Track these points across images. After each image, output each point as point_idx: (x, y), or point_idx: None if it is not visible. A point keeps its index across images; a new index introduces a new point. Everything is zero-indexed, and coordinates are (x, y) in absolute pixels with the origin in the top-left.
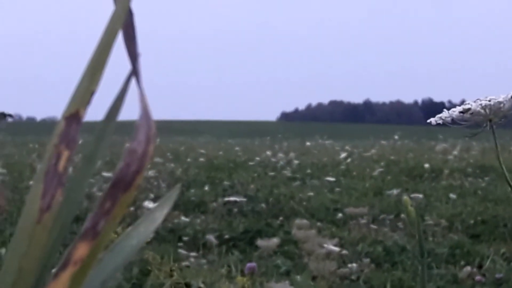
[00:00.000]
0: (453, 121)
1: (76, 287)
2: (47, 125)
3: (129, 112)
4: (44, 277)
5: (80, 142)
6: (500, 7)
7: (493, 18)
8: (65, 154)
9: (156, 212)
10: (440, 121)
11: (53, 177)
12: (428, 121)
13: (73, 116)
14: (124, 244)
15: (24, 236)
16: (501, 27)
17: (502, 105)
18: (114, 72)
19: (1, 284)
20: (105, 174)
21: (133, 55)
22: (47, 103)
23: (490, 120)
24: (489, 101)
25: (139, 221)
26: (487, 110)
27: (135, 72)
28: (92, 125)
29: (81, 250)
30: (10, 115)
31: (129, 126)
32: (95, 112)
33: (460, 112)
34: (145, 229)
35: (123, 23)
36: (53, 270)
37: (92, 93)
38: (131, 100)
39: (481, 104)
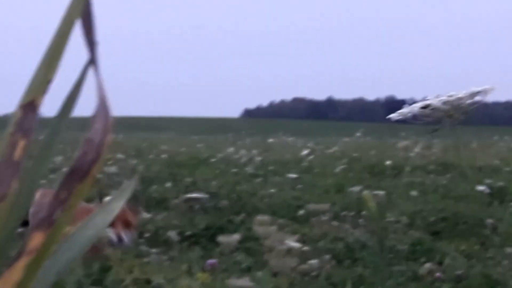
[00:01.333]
0: (414, 117)
1: (31, 276)
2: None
3: (91, 109)
4: (1, 264)
5: (40, 137)
6: (462, 7)
7: (457, 19)
8: (21, 143)
9: (112, 203)
10: (401, 117)
11: (9, 166)
12: (388, 117)
13: (30, 104)
14: (81, 235)
15: None
16: (464, 27)
17: (462, 101)
18: (74, 64)
19: None
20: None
21: (91, 43)
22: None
23: (451, 116)
24: (450, 97)
25: (96, 212)
26: (448, 106)
27: (93, 60)
28: (50, 119)
29: (36, 239)
30: None
31: (87, 122)
32: (55, 105)
33: (421, 107)
34: (101, 220)
35: (81, 12)
36: (8, 260)
37: (48, 82)
38: (92, 96)
39: (441, 100)
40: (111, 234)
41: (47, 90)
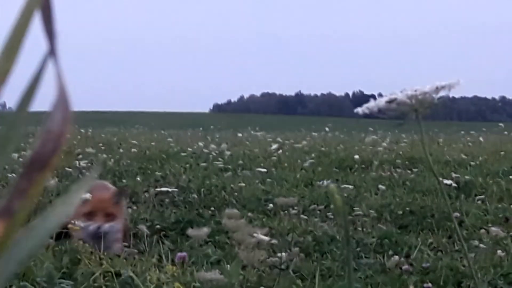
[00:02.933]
0: (380, 111)
1: None
2: None
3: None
4: None
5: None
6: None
7: (425, 12)
8: None
9: (73, 194)
10: (367, 111)
11: None
12: (355, 110)
13: None
14: (41, 225)
15: None
16: (434, 21)
17: (427, 95)
18: (36, 56)
19: None
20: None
21: (51, 34)
22: None
23: (416, 110)
24: (415, 91)
25: (57, 203)
26: (413, 100)
27: (52, 51)
28: (8, 113)
29: None
30: None
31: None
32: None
33: (387, 101)
34: (62, 210)
35: (41, 2)
36: None
37: (7, 72)
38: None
39: (407, 94)
40: (92, 225)
41: (6, 81)
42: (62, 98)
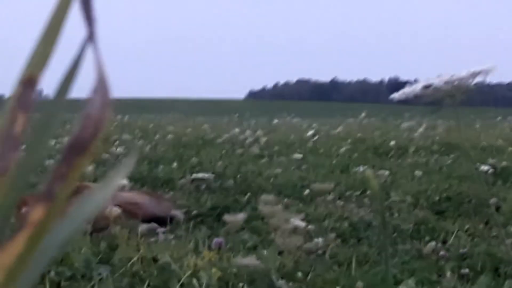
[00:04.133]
0: (416, 97)
1: (32, 249)
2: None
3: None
4: (0, 239)
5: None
6: None
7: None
8: (21, 118)
9: (112, 179)
10: (403, 97)
11: (9, 141)
12: (391, 96)
13: (29, 80)
14: (79, 211)
15: None
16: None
17: (463, 81)
18: (75, 42)
19: None
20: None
21: (90, 19)
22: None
23: (452, 96)
24: (451, 77)
25: (96, 187)
26: (449, 86)
27: (91, 36)
28: (48, 98)
29: (37, 213)
30: None
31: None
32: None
33: (423, 87)
34: (101, 195)
35: None
36: (8, 233)
37: (48, 57)
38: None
39: (443, 80)
40: None
41: (47, 66)
42: (101, 83)
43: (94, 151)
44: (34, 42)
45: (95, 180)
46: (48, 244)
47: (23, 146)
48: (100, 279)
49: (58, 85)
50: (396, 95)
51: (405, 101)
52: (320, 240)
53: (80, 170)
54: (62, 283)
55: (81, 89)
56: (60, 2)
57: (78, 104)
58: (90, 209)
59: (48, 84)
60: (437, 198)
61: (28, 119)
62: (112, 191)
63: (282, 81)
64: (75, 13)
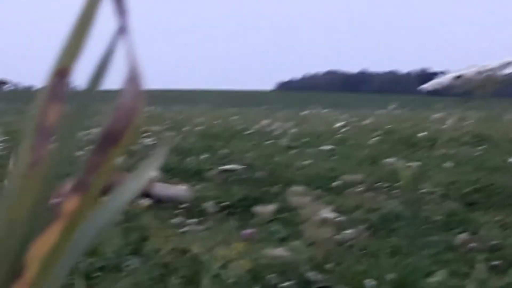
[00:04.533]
0: (446, 88)
1: (67, 239)
2: None
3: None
4: (35, 229)
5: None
6: None
7: None
8: (54, 109)
9: (144, 170)
10: (433, 88)
11: (43, 132)
12: (420, 87)
13: (62, 71)
14: (113, 201)
15: (14, 189)
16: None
17: (494, 71)
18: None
19: None
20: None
21: (121, 11)
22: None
23: (483, 87)
24: (482, 67)
25: (129, 178)
26: (480, 77)
27: (123, 28)
28: (80, 89)
29: (71, 203)
30: (5, 83)
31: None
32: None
33: (454, 78)
34: (134, 186)
35: None
36: (43, 223)
37: (80, 49)
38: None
39: (474, 71)
40: None
41: (79, 58)
42: (134, 75)
43: (127, 142)
44: (66, 34)
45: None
46: (82, 235)
47: (56, 137)
48: (131, 270)
49: (90, 77)
50: (426, 86)
51: (435, 92)
52: (350, 231)
53: (113, 160)
54: (93, 274)
55: (113, 81)
56: None
57: (110, 95)
58: (123, 200)
59: (80, 76)
60: (467, 189)
61: (60, 110)
62: (144, 182)
63: (311, 72)
64: (107, 5)
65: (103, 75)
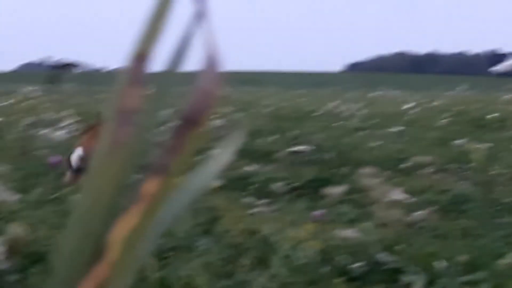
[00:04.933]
0: None
1: (147, 221)
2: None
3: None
4: (116, 211)
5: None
6: None
7: None
8: (135, 92)
9: (221, 154)
10: (504, 70)
11: (123, 116)
12: (491, 69)
13: (141, 55)
14: (192, 184)
15: (97, 171)
16: None
17: None
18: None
19: (76, 216)
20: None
21: None
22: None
23: None
24: None
25: (205, 163)
26: None
27: (202, 12)
28: (160, 73)
29: (151, 185)
30: (79, 65)
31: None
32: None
33: None
34: (211, 171)
35: None
36: (125, 205)
37: (159, 33)
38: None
39: None
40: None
41: (158, 42)
42: (212, 58)
43: (205, 125)
44: (145, 18)
45: (196, 153)
46: (162, 217)
47: (137, 120)
48: (202, 250)
49: (169, 60)
50: (497, 68)
51: (505, 74)
52: (420, 213)
53: (193, 143)
54: (166, 254)
55: (192, 63)
56: None
57: (189, 77)
58: (201, 182)
59: (159, 60)
60: None
61: (140, 94)
62: (221, 165)
63: (380, 54)
64: None
65: (182, 58)
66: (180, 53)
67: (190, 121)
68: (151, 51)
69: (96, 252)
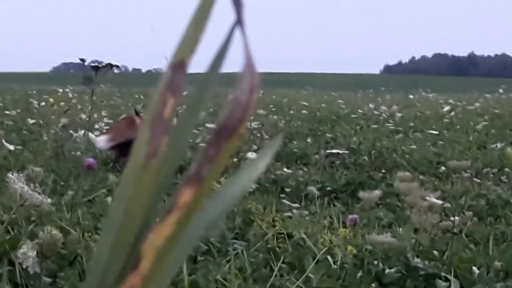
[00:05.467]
0: None
1: (181, 231)
2: (153, 76)
3: (233, 64)
4: (150, 221)
5: (185, 93)
6: None
7: None
8: (171, 102)
9: (258, 161)
10: None
11: (159, 125)
12: None
13: (179, 64)
14: (227, 192)
15: (130, 181)
16: None
17: None
18: (219, 22)
19: (109, 226)
20: (209, 125)
21: (238, 4)
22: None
23: None
24: None
25: (242, 170)
26: None
27: (239, 21)
28: (197, 76)
29: (186, 195)
30: (116, 66)
31: (232, 78)
32: (201, 63)
33: None
34: (247, 178)
35: None
36: (158, 215)
37: (197, 42)
38: (234, 52)
39: None
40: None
41: (196, 50)
42: (249, 68)
43: (242, 134)
44: (184, 26)
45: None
46: (196, 225)
47: (172, 129)
48: (236, 254)
49: (206, 69)
50: None
51: None
52: (456, 218)
53: (228, 153)
54: (198, 257)
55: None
56: None
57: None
58: (237, 190)
59: (196, 67)
60: None
61: (177, 103)
62: (258, 173)
63: (418, 56)
64: None
65: (219, 67)
66: (218, 61)
67: (226, 131)
68: (189, 59)
69: (130, 262)
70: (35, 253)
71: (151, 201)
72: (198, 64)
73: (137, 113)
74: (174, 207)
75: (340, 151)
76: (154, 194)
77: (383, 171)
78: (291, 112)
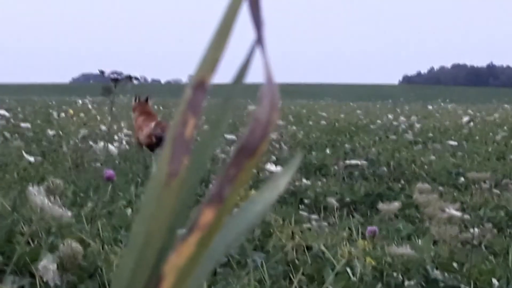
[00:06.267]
0: None
1: (202, 250)
2: (171, 87)
3: (252, 75)
4: (172, 240)
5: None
6: None
7: None
8: (192, 121)
9: (280, 178)
10: None
11: (181, 144)
12: None
13: (200, 84)
14: (249, 210)
15: (152, 199)
16: None
17: None
18: (240, 40)
19: (131, 245)
20: (228, 136)
21: (258, 23)
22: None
23: None
24: None
25: (264, 187)
26: None
27: (259, 40)
28: (216, 88)
29: (207, 215)
30: (136, 78)
31: (251, 89)
32: (220, 75)
33: None
34: (269, 195)
35: None
36: (180, 234)
37: (217, 62)
38: (253, 64)
39: None
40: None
41: (216, 70)
42: (270, 87)
43: (262, 153)
44: (205, 46)
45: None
46: (217, 245)
47: (193, 148)
48: (255, 267)
49: (227, 87)
50: None
51: None
52: (476, 230)
53: (249, 172)
54: (218, 270)
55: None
56: (230, 6)
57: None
58: (259, 208)
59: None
60: None
61: (197, 123)
62: (278, 191)
63: (437, 66)
64: (243, 17)
65: (240, 84)
66: (238, 80)
67: (247, 151)
68: (210, 79)
69: (151, 283)
70: (55, 266)
71: (173, 220)
72: (219, 76)
73: (138, 100)
74: (195, 227)
75: (359, 162)
76: (176, 213)
77: (402, 182)
78: (310, 123)
